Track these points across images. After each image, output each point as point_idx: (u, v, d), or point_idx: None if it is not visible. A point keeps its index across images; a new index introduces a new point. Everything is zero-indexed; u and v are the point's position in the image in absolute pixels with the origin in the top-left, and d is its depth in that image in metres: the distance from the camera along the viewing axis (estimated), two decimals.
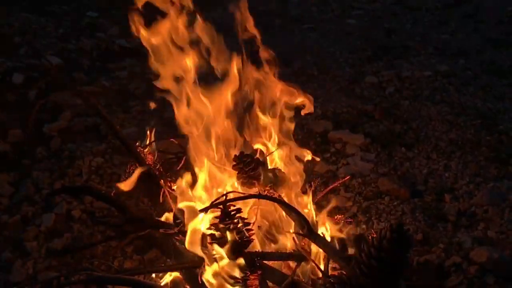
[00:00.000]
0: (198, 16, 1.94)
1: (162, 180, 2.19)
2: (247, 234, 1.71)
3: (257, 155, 2.04)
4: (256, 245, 1.96)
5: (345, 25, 5.32)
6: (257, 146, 2.08)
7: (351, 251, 1.93)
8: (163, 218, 1.96)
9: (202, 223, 1.78)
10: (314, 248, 1.90)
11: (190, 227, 1.75)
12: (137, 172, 1.95)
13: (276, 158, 2.12)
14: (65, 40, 4.83)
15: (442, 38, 4.89)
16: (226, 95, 2.01)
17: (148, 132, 2.22)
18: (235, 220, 1.73)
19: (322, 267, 1.84)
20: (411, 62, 4.38)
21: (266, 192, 1.93)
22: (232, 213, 1.74)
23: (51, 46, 4.71)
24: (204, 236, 1.79)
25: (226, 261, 1.69)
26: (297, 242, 1.93)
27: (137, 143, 2.30)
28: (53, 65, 4.28)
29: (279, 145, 2.08)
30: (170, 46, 1.97)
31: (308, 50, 4.66)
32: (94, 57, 4.64)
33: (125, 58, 4.65)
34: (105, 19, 5.42)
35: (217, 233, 1.68)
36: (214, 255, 1.75)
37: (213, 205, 1.70)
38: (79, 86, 4.01)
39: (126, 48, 4.80)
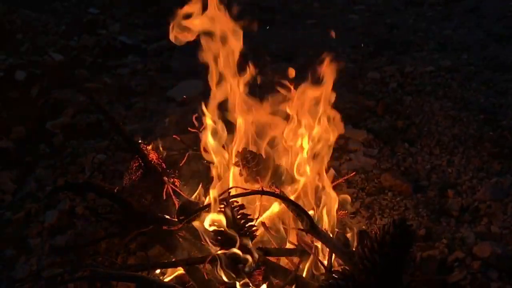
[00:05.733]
0: None
1: (165, 177, 2.19)
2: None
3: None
4: (260, 241, 1.96)
5: (347, 21, 5.30)
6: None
7: (354, 246, 1.93)
8: None
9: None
10: (317, 243, 1.91)
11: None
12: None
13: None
14: (67, 37, 4.83)
15: (445, 33, 4.86)
16: None
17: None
18: (238, 216, 1.74)
19: (325, 262, 1.84)
20: (413, 57, 4.36)
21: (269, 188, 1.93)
22: (236, 209, 1.74)
23: (53, 43, 4.71)
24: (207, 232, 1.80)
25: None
26: (300, 238, 1.93)
27: (140, 140, 2.31)
28: (55, 61, 4.29)
29: None
30: None
31: (311, 46, 4.64)
32: (96, 54, 4.63)
33: (126, 55, 4.65)
34: (106, 16, 5.41)
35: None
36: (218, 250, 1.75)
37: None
38: (81, 83, 4.02)
39: (127, 44, 4.80)
